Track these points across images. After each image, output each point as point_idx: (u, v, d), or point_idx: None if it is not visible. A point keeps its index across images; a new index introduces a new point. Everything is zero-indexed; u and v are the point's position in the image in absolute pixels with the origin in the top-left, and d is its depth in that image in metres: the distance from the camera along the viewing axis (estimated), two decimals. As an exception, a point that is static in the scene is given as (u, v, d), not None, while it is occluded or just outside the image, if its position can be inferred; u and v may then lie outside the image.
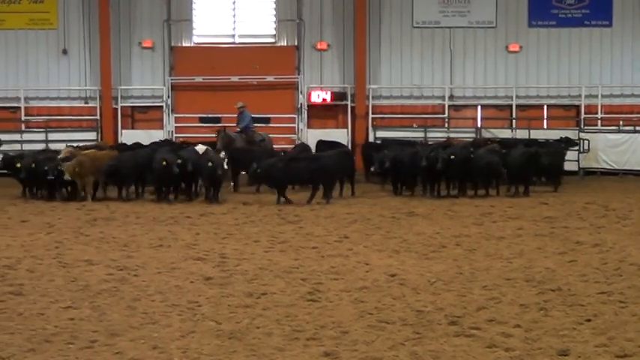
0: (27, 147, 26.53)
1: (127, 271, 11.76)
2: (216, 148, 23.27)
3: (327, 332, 8.58)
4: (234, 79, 29.54)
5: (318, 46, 29.73)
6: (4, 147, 26.81)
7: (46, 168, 20.14)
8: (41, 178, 20.47)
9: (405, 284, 10.90)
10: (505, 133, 28.48)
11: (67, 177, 19.87)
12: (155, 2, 29.64)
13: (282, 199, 19.86)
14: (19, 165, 20.90)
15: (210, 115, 29.03)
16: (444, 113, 29.86)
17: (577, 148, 26.84)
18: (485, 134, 28.38)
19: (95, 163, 20.31)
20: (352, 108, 29.48)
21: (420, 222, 16.78)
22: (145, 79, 29.77)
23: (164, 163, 19.78)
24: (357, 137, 28.99)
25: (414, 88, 29.86)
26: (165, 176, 19.93)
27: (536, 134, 27.83)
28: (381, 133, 28.99)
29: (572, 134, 27.25)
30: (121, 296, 10.25)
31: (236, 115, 26.01)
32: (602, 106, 29.68)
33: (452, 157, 20.64)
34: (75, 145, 24.66)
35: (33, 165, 20.45)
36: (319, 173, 20.01)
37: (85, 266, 12.17)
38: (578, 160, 27.16)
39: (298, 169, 20.01)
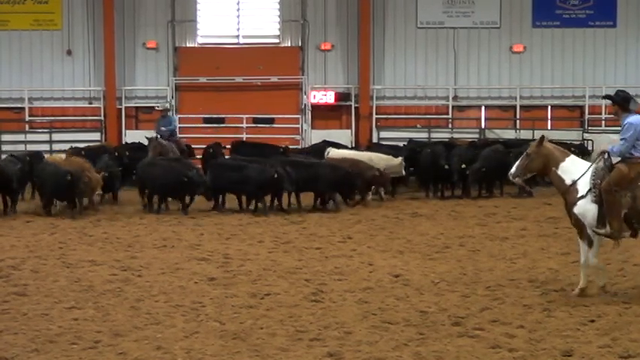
0: (31, 147, 26.45)
1: (130, 272, 11.78)
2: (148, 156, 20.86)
3: (331, 333, 8.60)
4: (239, 79, 29.49)
5: (322, 47, 29.66)
6: (9, 147, 26.81)
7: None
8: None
9: (409, 285, 10.92)
10: (509, 134, 28.42)
11: None
12: (159, 3, 29.59)
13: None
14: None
15: (214, 116, 29.01)
16: (447, 114, 29.82)
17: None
18: (490, 135, 28.32)
19: None
20: (356, 108, 29.44)
21: (424, 223, 16.79)
22: (149, 80, 29.70)
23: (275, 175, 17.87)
24: (360, 138, 28.95)
25: (418, 88, 29.82)
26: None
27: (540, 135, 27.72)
28: (385, 134, 28.95)
29: (576, 135, 27.15)
30: (125, 297, 10.28)
31: (157, 119, 23.94)
32: (606, 106, 29.56)
33: (463, 165, 20.58)
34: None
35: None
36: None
37: (89, 267, 12.20)
38: (581, 161, 27.03)
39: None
